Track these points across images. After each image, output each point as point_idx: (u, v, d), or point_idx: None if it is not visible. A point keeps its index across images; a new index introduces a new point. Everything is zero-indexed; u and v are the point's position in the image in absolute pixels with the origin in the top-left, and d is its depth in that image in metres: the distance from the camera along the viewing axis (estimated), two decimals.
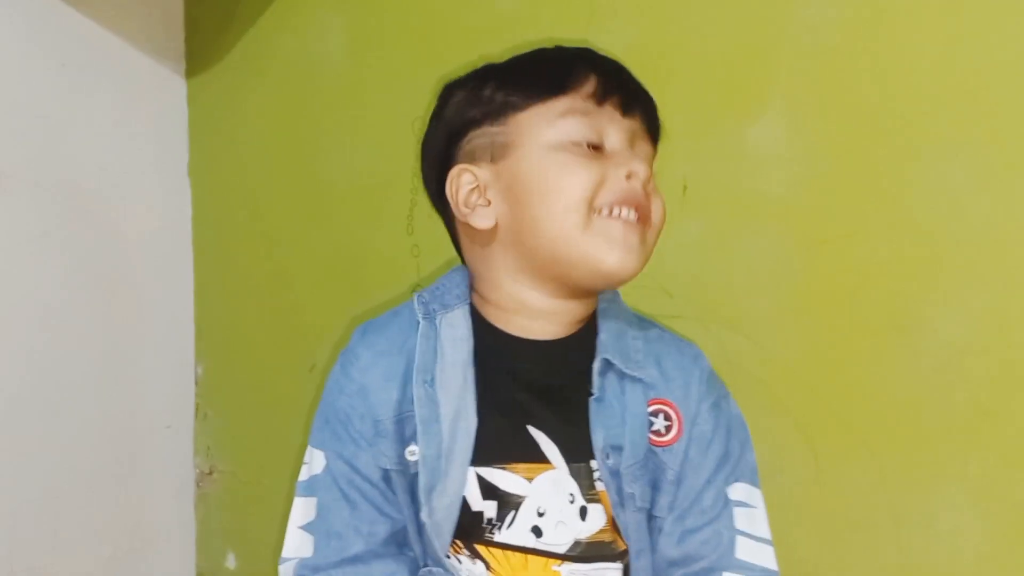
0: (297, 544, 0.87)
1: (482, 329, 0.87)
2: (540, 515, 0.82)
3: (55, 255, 1.54)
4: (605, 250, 0.80)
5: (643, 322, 0.91)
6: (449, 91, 0.89)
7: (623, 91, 0.83)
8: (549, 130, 0.82)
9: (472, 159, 0.86)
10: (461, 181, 0.86)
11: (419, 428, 0.82)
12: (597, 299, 0.89)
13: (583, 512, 0.83)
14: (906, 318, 1.03)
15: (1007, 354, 0.98)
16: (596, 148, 0.82)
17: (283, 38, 1.57)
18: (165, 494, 1.72)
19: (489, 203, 0.85)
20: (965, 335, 1.00)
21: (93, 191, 1.59)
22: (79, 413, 1.58)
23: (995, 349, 0.99)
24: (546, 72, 0.83)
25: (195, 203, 1.71)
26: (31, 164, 1.49)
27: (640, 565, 0.83)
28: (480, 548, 0.82)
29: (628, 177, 0.81)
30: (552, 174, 0.81)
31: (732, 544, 0.83)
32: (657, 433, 0.84)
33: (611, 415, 0.83)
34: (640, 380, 0.85)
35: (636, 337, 0.88)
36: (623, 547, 0.84)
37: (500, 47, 1.28)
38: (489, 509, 0.82)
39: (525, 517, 0.82)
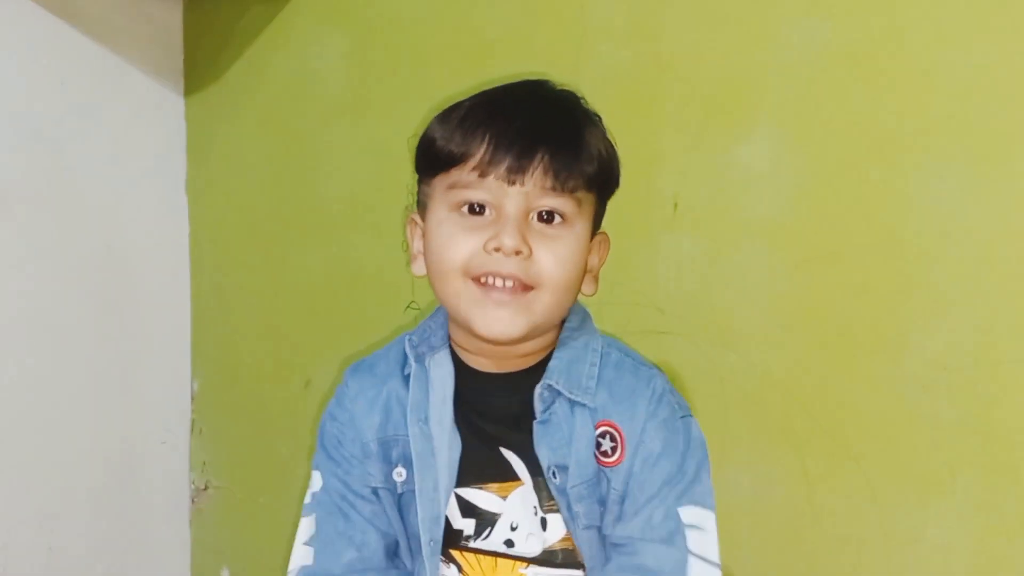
0: (300, 557, 0.94)
1: (457, 365, 0.93)
2: (513, 529, 0.89)
3: (53, 271, 1.55)
4: (476, 316, 0.85)
5: (608, 347, 0.93)
6: (428, 127, 0.93)
7: (510, 157, 0.84)
8: (441, 200, 0.88)
9: (419, 207, 0.94)
10: (412, 229, 0.94)
11: (416, 463, 0.89)
12: (554, 331, 0.93)
13: (544, 523, 0.89)
14: (894, 334, 1.04)
15: (994, 370, 0.99)
16: (481, 212, 0.86)
17: (280, 57, 1.58)
18: (161, 509, 1.73)
19: (422, 254, 0.93)
20: (953, 351, 1.01)
21: (91, 208, 1.60)
22: (75, 429, 1.59)
23: (982, 365, 1.00)
24: (445, 143, 0.87)
25: (192, 220, 1.72)
26: (30, 181, 1.51)
27: None
28: (454, 553, 0.91)
29: (496, 249, 0.84)
30: (438, 244, 0.87)
31: (684, 564, 0.85)
32: (604, 454, 0.88)
33: (557, 437, 0.88)
34: (584, 405, 0.89)
35: (593, 364, 0.91)
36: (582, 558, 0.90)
37: (493, 67, 1.30)
38: (468, 527, 0.91)
39: (500, 532, 0.89)
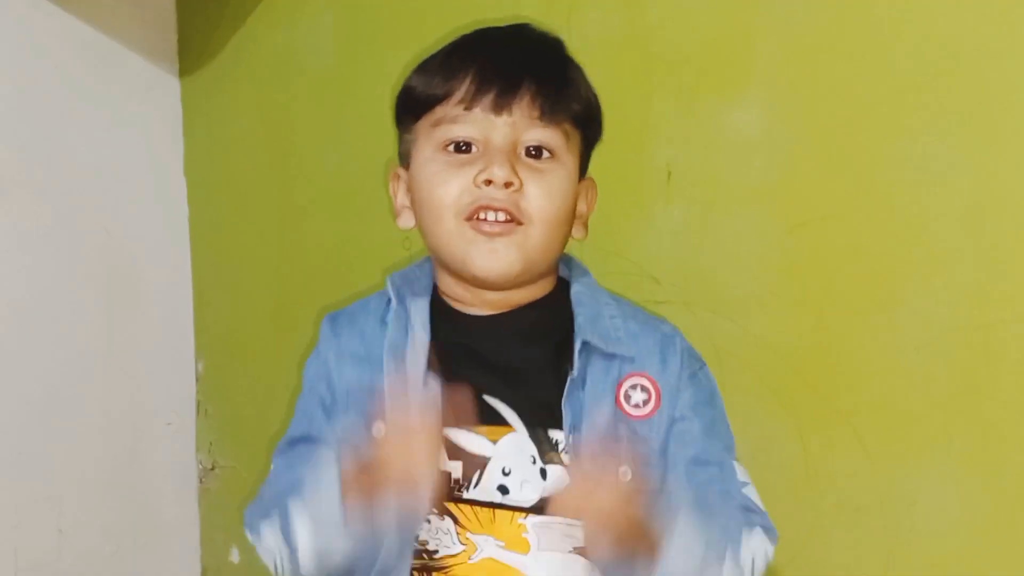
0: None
1: (443, 311, 0.91)
2: (505, 474, 0.85)
3: (54, 256, 1.55)
4: (471, 255, 0.85)
5: (617, 301, 0.93)
6: (407, 78, 0.92)
7: (497, 87, 0.83)
8: (427, 140, 0.86)
9: (400, 159, 0.92)
10: (396, 183, 0.93)
11: (388, 399, 0.85)
12: (548, 282, 0.92)
13: (543, 473, 0.85)
14: (889, 297, 1.04)
15: (988, 333, 0.99)
16: (467, 149, 0.85)
17: (274, 36, 1.58)
18: (168, 490, 1.74)
19: (410, 205, 0.91)
20: (947, 314, 1.01)
21: (90, 192, 1.60)
22: (81, 412, 1.60)
23: (976, 327, 0.99)
24: (427, 82, 0.86)
25: (191, 201, 1.73)
26: (27, 167, 1.51)
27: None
28: (449, 505, 0.85)
29: (487, 183, 0.83)
30: (426, 185, 0.86)
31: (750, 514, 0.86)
32: (635, 407, 0.87)
33: (591, 393, 0.86)
34: (617, 356, 0.88)
35: (614, 316, 0.90)
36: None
37: None
38: (455, 469, 0.85)
39: (491, 477, 0.85)
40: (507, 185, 0.82)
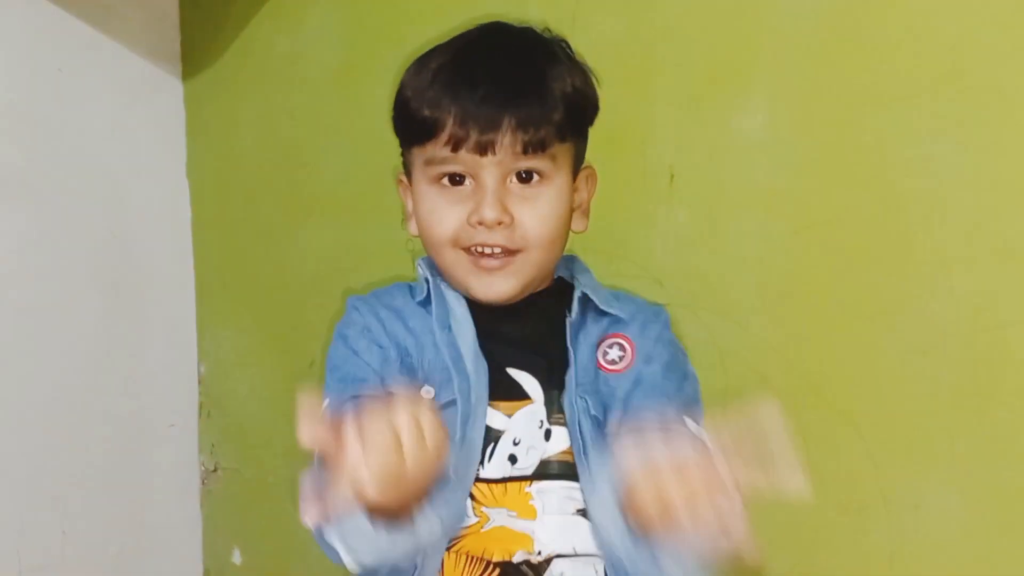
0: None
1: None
2: (516, 444, 0.90)
3: (56, 258, 1.56)
4: (471, 283, 0.91)
5: (612, 291, 0.99)
6: (402, 79, 0.94)
7: (478, 131, 0.86)
8: (421, 172, 0.91)
9: (404, 169, 0.96)
10: (401, 191, 0.98)
11: (451, 366, 0.90)
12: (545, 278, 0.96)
13: (548, 434, 0.90)
14: (892, 301, 1.04)
15: (992, 336, 0.99)
16: (460, 182, 0.89)
17: (277, 39, 1.58)
18: (170, 492, 1.74)
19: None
20: (951, 318, 1.01)
21: (93, 194, 1.60)
22: (83, 414, 1.60)
23: (981, 331, 0.99)
24: (414, 118, 0.89)
25: (194, 204, 1.73)
26: (30, 169, 1.51)
27: (601, 475, 0.87)
28: None
29: (479, 223, 0.87)
30: (424, 217, 0.91)
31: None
32: (611, 362, 0.93)
33: (583, 339, 0.93)
34: (608, 315, 0.94)
35: (606, 292, 0.97)
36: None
37: None
38: None
39: (503, 448, 0.89)
40: (498, 224, 0.87)
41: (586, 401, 0.90)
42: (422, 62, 0.93)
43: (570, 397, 0.90)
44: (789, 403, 1.10)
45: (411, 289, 0.98)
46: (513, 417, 0.90)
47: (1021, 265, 0.97)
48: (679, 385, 0.93)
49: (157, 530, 1.71)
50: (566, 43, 0.95)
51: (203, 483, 1.78)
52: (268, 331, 1.66)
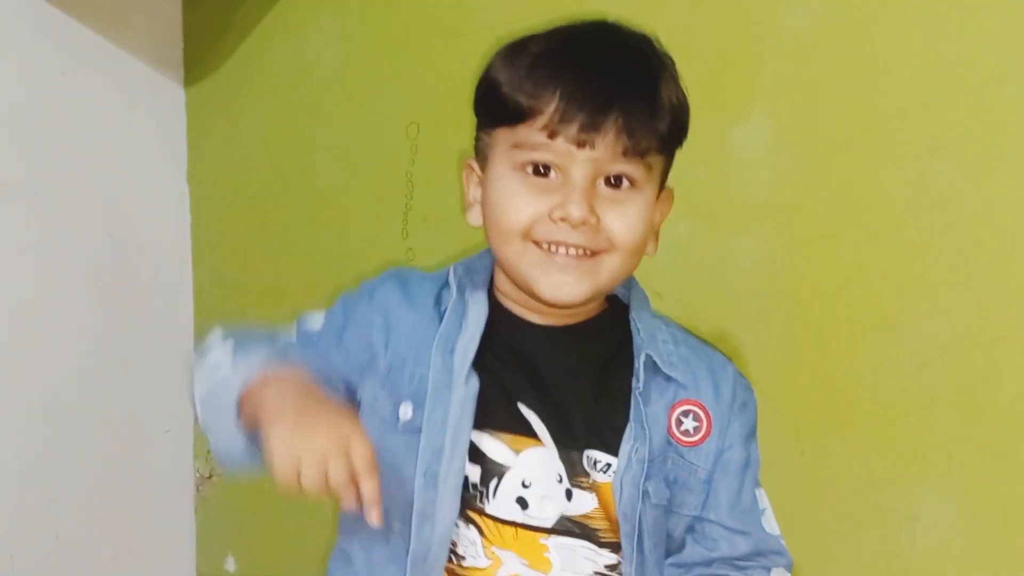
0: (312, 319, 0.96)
1: (495, 309, 0.89)
2: (525, 487, 0.84)
3: (55, 261, 1.56)
4: (539, 280, 0.83)
5: (668, 323, 0.93)
6: (496, 55, 0.87)
7: (580, 121, 0.79)
8: (504, 156, 0.84)
9: (476, 155, 0.89)
10: (469, 176, 0.90)
11: (430, 392, 0.84)
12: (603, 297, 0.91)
13: (568, 494, 0.85)
14: (891, 316, 1.05)
15: (990, 350, 1.00)
16: (546, 173, 0.82)
17: (279, 46, 1.59)
18: (165, 498, 1.74)
19: (479, 204, 0.89)
20: (948, 333, 1.02)
21: (94, 199, 1.61)
22: (79, 418, 1.60)
23: (978, 347, 1.00)
24: (512, 96, 0.82)
25: (194, 209, 1.73)
26: (32, 172, 1.51)
27: (656, 558, 0.87)
28: (472, 515, 0.85)
29: (562, 219, 0.81)
30: (499, 202, 0.84)
31: (770, 543, 0.90)
32: (685, 433, 0.87)
33: (647, 411, 0.86)
34: (674, 380, 0.88)
35: (666, 341, 0.90)
36: (612, 538, 0.86)
37: (491, 52, 1.30)
38: (473, 474, 0.85)
39: (509, 487, 0.84)
40: (584, 223, 0.81)
41: (647, 489, 0.85)
42: (518, 46, 0.85)
43: (633, 476, 0.84)
44: (788, 416, 1.12)
45: (442, 286, 0.91)
46: (520, 455, 0.85)
47: (1018, 280, 0.98)
48: (749, 451, 0.90)
49: (151, 536, 1.71)
50: (672, 59, 0.88)
51: (198, 489, 1.77)
52: None
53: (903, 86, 1.04)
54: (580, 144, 0.80)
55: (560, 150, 0.80)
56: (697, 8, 1.17)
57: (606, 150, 0.80)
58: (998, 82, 0.98)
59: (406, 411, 0.85)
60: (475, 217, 0.89)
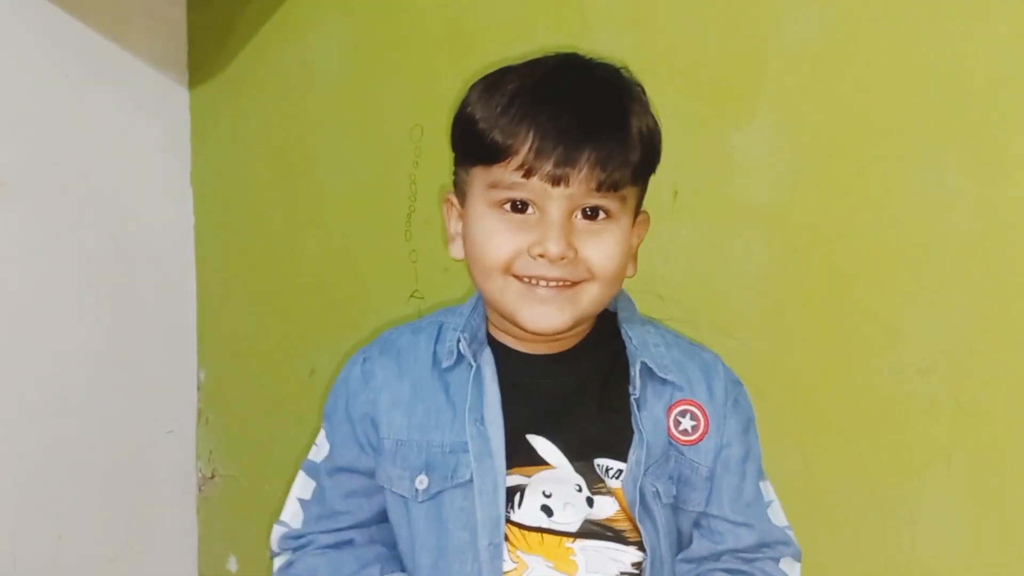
0: (292, 513, 0.96)
1: (497, 347, 0.92)
2: (547, 496, 0.87)
3: (59, 263, 1.56)
4: (520, 311, 0.86)
5: (656, 327, 0.96)
6: (470, 90, 0.90)
7: (555, 159, 0.81)
8: (481, 195, 0.86)
9: (455, 189, 0.92)
10: (449, 210, 0.93)
11: (475, 465, 0.87)
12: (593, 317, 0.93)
13: (590, 502, 0.88)
14: (891, 320, 1.05)
15: (989, 354, 1.00)
16: (523, 209, 0.85)
17: (283, 49, 1.59)
18: (167, 498, 1.74)
19: (460, 238, 0.92)
20: (948, 336, 1.02)
21: (97, 200, 1.61)
22: (82, 418, 1.60)
23: (978, 350, 1.01)
24: (488, 135, 0.84)
25: (197, 211, 1.74)
26: (36, 173, 1.52)
27: (672, 555, 0.90)
28: None
29: (541, 256, 0.83)
30: (479, 239, 0.86)
31: (777, 535, 0.93)
32: (684, 432, 0.90)
33: (644, 415, 0.89)
34: (670, 383, 0.91)
35: (658, 345, 0.93)
36: (637, 537, 0.89)
37: (493, 56, 1.31)
38: None
39: (533, 498, 0.87)
40: (562, 258, 0.83)
41: (657, 489, 0.88)
42: (494, 82, 0.87)
43: (638, 482, 0.87)
44: (788, 418, 1.12)
45: (437, 340, 0.93)
46: (532, 477, 0.88)
47: (1018, 284, 0.99)
48: (749, 443, 0.93)
49: (153, 536, 1.71)
50: (642, 87, 0.91)
51: (200, 490, 1.78)
52: (268, 338, 1.67)
53: (904, 91, 1.04)
54: (555, 182, 0.82)
55: (536, 188, 0.83)
56: (699, 13, 1.17)
57: (580, 186, 0.83)
58: (999, 88, 0.99)
59: (422, 482, 0.89)
60: (457, 251, 0.92)
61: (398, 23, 1.46)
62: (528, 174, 0.82)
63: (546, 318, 0.85)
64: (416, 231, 1.45)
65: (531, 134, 0.82)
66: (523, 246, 0.84)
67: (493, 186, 0.85)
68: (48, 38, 1.53)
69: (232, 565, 1.74)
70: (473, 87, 0.89)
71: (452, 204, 0.92)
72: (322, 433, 0.96)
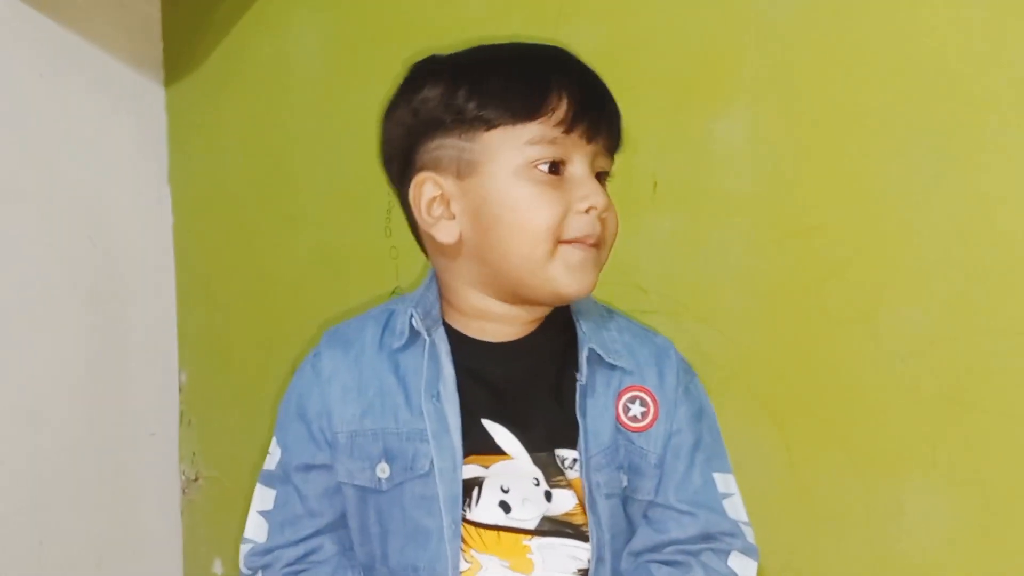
0: (254, 528, 0.93)
1: (452, 335, 0.90)
2: (504, 491, 0.86)
3: (37, 265, 1.55)
4: (566, 277, 0.84)
5: (611, 313, 0.95)
6: (422, 77, 0.88)
7: (593, 116, 0.83)
8: (516, 155, 0.83)
9: (437, 167, 0.86)
10: (424, 190, 0.87)
11: (433, 443, 0.85)
12: None
13: (548, 496, 0.86)
14: (873, 309, 1.05)
15: (973, 344, 0.99)
16: (557, 171, 0.84)
17: (259, 44, 1.58)
18: (151, 501, 1.73)
19: (453, 217, 0.86)
20: (931, 325, 1.01)
21: (74, 201, 1.60)
22: (63, 422, 1.59)
23: (961, 339, 1.00)
24: (520, 91, 0.83)
25: (176, 211, 1.72)
26: (11, 174, 1.50)
27: (615, 548, 0.87)
28: None
29: (588, 210, 0.83)
30: (520, 205, 0.83)
31: (725, 528, 0.89)
32: (633, 419, 0.88)
33: (595, 403, 0.88)
34: (619, 368, 0.89)
35: (610, 329, 0.92)
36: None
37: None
38: None
39: (490, 494, 0.85)
40: (606, 209, 0.84)
41: (599, 480, 0.86)
42: (468, 61, 0.87)
43: (584, 471, 0.85)
44: (772, 409, 1.12)
45: (385, 326, 0.91)
46: (490, 468, 0.86)
47: (1001, 274, 0.98)
48: (700, 433, 0.90)
49: (137, 540, 1.70)
50: None
51: (184, 492, 1.77)
52: (250, 339, 1.65)
53: (884, 78, 1.04)
54: (589, 138, 0.84)
55: (574, 144, 0.83)
56: (677, 4, 1.16)
57: (600, 146, 0.85)
58: (980, 74, 0.98)
59: (384, 470, 0.87)
60: (449, 233, 0.86)
61: (375, 16, 1.45)
62: (569, 129, 0.82)
63: (587, 279, 0.85)
64: (396, 227, 1.43)
65: (566, 93, 0.82)
66: (566, 205, 0.83)
67: (533, 142, 0.82)
68: (21, 38, 1.51)
69: (218, 567, 1.73)
70: (429, 65, 0.88)
71: (437, 184, 0.86)
72: (273, 440, 0.94)
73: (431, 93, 0.86)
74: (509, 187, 0.83)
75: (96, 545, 1.64)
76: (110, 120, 1.63)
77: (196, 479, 1.75)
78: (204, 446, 1.74)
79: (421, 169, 0.87)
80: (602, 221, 0.85)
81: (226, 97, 1.64)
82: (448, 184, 0.86)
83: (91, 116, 1.61)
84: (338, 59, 1.50)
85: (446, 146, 0.85)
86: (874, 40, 1.04)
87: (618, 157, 1.18)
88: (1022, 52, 0.96)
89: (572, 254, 0.84)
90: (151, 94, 1.68)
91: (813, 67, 1.08)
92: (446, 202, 0.86)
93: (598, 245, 0.85)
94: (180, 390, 1.75)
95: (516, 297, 0.88)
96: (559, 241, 0.83)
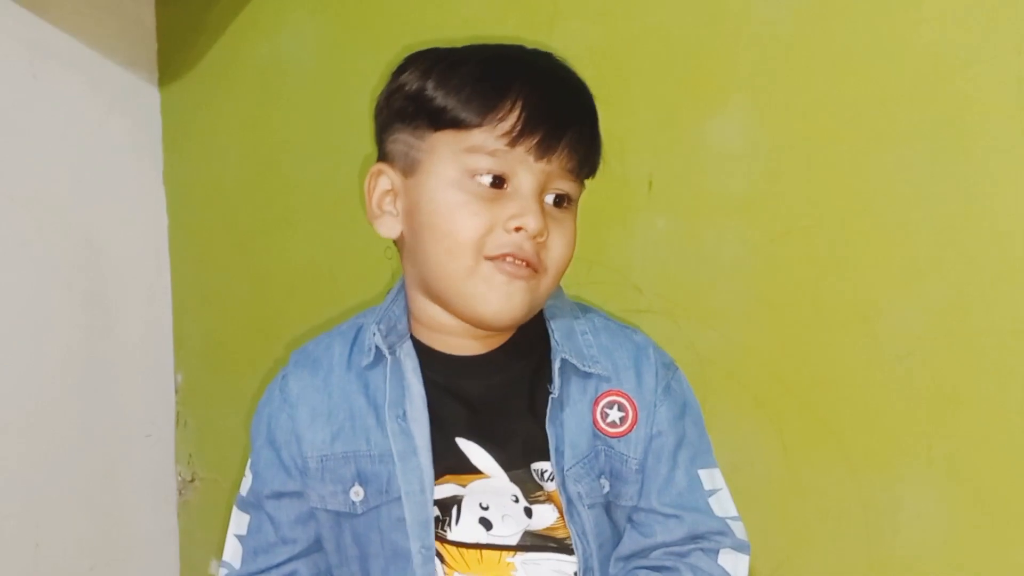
0: (232, 552, 0.91)
1: (421, 350, 0.87)
2: (484, 508, 0.83)
3: (32, 267, 1.54)
4: (484, 297, 0.80)
5: (586, 313, 0.91)
6: (406, 65, 0.85)
7: (547, 132, 0.78)
8: (453, 162, 0.79)
9: (391, 160, 0.84)
10: (378, 182, 0.85)
11: (399, 465, 0.82)
12: None
13: (528, 512, 0.84)
14: (869, 308, 1.05)
15: (968, 341, 0.99)
16: (500, 185, 0.79)
17: (254, 45, 1.58)
18: (147, 503, 1.73)
19: (398, 214, 0.84)
20: (927, 323, 1.01)
21: (69, 202, 1.59)
22: (59, 424, 1.59)
23: (956, 337, 1.00)
24: (475, 93, 0.78)
25: (171, 212, 1.72)
26: (5, 177, 1.50)
27: (603, 557, 0.85)
28: (435, 545, 0.84)
29: (517, 230, 0.79)
30: (446, 213, 0.79)
31: (714, 527, 0.86)
32: (612, 424, 0.85)
33: (571, 414, 0.85)
34: (595, 375, 0.86)
35: (585, 332, 0.88)
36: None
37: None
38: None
39: (470, 512, 0.83)
40: (537, 235, 0.79)
41: (579, 491, 0.83)
42: (450, 51, 0.82)
43: (560, 486, 0.83)
44: (768, 408, 1.12)
45: (353, 343, 0.88)
46: (468, 487, 0.84)
47: (995, 272, 0.98)
48: (684, 430, 0.87)
49: (133, 541, 1.70)
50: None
51: (180, 493, 1.76)
52: (245, 340, 1.65)
53: (879, 78, 1.04)
54: (539, 156, 0.78)
55: (519, 159, 0.78)
56: (672, 4, 1.16)
57: (558, 166, 0.80)
58: (975, 73, 0.98)
59: (358, 493, 0.84)
60: (391, 228, 0.84)
61: (370, 17, 1.45)
62: (514, 143, 0.77)
63: (508, 307, 0.79)
64: None
65: (519, 105, 0.77)
66: (497, 221, 0.78)
67: (471, 151, 0.78)
68: (15, 39, 1.50)
69: (214, 568, 1.72)
70: (419, 54, 0.84)
71: (389, 177, 0.84)
72: (247, 464, 0.92)
73: (405, 80, 0.83)
74: (442, 193, 0.80)
75: (92, 547, 1.64)
76: (105, 121, 1.63)
77: (192, 480, 1.75)
78: (200, 447, 1.73)
79: (382, 159, 0.85)
80: (542, 246, 0.80)
81: (221, 98, 1.64)
82: (397, 180, 0.84)
83: (85, 117, 1.60)
84: (332, 60, 1.50)
85: (399, 140, 0.83)
86: (868, 40, 1.04)
87: (612, 157, 1.19)
88: (1017, 51, 0.96)
89: (494, 274, 0.79)
90: (146, 95, 1.68)
91: (807, 67, 1.08)
92: (394, 197, 0.84)
93: (536, 269, 0.80)
94: (176, 391, 1.75)
95: (457, 316, 0.84)
96: (485, 257, 0.79)
